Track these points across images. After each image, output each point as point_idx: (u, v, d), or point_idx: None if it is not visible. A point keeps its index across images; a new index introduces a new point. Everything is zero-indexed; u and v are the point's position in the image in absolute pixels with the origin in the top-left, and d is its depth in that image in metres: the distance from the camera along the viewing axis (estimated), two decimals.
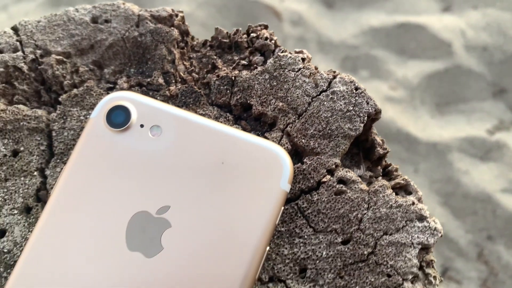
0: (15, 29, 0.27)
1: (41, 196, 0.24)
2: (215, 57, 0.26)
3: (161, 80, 0.26)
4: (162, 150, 0.23)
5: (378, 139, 0.24)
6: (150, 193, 0.22)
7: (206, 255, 0.21)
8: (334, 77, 0.24)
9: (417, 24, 1.36)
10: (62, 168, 0.25)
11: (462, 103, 1.28)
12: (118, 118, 0.23)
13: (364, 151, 0.25)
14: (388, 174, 0.24)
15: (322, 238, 0.22)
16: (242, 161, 0.22)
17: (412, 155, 1.06)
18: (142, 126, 0.23)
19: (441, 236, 0.21)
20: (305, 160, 0.23)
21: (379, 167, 0.24)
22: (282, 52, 0.25)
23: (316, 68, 0.25)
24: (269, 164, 0.22)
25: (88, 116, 0.25)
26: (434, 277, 0.22)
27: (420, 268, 0.22)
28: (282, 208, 0.22)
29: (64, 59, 0.26)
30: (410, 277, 0.21)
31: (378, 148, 0.24)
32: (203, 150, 0.22)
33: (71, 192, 0.22)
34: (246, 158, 0.22)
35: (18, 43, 0.27)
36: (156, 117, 0.23)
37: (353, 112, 0.24)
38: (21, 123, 0.25)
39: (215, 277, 0.21)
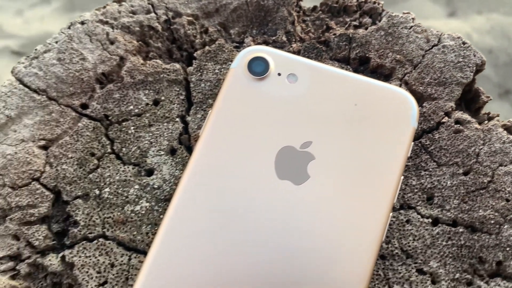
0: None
1: (183, 140, 0.27)
2: (327, 19, 0.30)
3: (284, 38, 0.29)
4: (299, 95, 0.26)
5: (481, 88, 0.28)
6: (292, 131, 0.25)
7: (349, 184, 0.24)
8: (442, 34, 0.28)
9: None
10: (202, 115, 0.27)
11: None
12: (258, 67, 0.26)
13: (465, 102, 0.28)
14: (490, 119, 0.27)
15: (445, 170, 0.25)
16: (374, 102, 0.25)
17: None
18: (279, 74, 0.26)
19: None
20: (424, 104, 0.27)
21: (483, 114, 0.28)
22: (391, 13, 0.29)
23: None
24: (399, 105, 0.25)
25: (227, 68, 0.28)
26: None
27: None
28: (412, 143, 0.25)
29: (193, 21, 0.29)
30: None
31: (482, 96, 0.27)
32: (337, 93, 0.25)
33: (220, 133, 0.25)
34: (378, 99, 0.25)
35: (150, 6, 0.30)
36: (291, 66, 0.26)
37: (463, 63, 0.27)
38: (161, 75, 0.28)
39: (359, 202, 0.23)
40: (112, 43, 0.29)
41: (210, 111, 0.26)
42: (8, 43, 1.41)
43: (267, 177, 0.24)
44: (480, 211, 0.25)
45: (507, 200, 0.25)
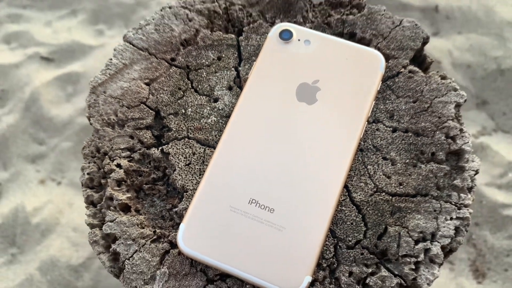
0: None
1: (236, 82, 0.43)
2: (329, 9, 0.46)
3: (301, 20, 0.45)
4: (311, 52, 0.42)
5: (427, 54, 0.44)
6: (306, 73, 0.41)
7: (342, 104, 0.40)
8: (403, 19, 0.44)
9: None
10: (249, 66, 0.43)
11: None
12: (286, 35, 0.42)
13: (418, 63, 0.45)
14: (429, 71, 0.43)
15: (401, 100, 0.41)
16: (357, 57, 0.41)
17: None
18: (299, 40, 0.42)
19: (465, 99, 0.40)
20: (389, 61, 0.43)
21: (430, 71, 0.44)
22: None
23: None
24: (372, 58, 0.41)
25: (265, 37, 0.44)
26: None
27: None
28: (380, 83, 0.41)
29: (242, 8, 0.46)
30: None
31: (427, 59, 0.44)
32: (334, 51, 0.41)
33: (261, 76, 0.41)
34: (360, 55, 0.41)
35: None
36: (306, 35, 0.42)
37: (415, 36, 0.43)
38: (222, 41, 0.44)
39: (347, 116, 0.39)
40: (190, 20, 0.45)
41: (254, 63, 0.42)
42: (38, 49, 1.58)
43: (291, 100, 0.40)
44: (422, 123, 0.41)
45: (439, 117, 0.41)
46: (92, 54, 1.50)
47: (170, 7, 0.46)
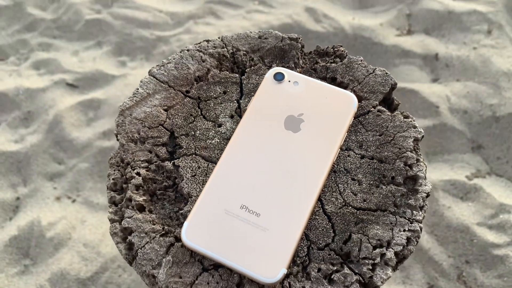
0: (221, 39, 0.58)
1: (237, 112, 0.54)
2: (316, 58, 0.57)
3: (293, 65, 0.56)
4: (298, 92, 0.52)
5: (395, 97, 0.54)
6: (293, 108, 0.51)
7: (319, 134, 0.50)
8: (375, 68, 0.55)
9: (411, 89, 1.63)
10: (248, 99, 0.54)
11: (446, 154, 1.51)
12: (279, 76, 0.53)
13: (388, 104, 0.55)
14: (396, 111, 0.54)
15: (369, 133, 0.51)
16: (335, 96, 0.52)
17: None
18: (289, 81, 0.53)
19: (422, 135, 0.50)
20: (362, 102, 0.53)
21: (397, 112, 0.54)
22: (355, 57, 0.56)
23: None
24: (347, 99, 0.51)
25: (262, 77, 0.55)
26: None
27: None
28: (353, 119, 0.51)
29: (246, 53, 0.57)
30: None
31: (395, 101, 0.54)
32: (316, 91, 0.52)
33: (256, 109, 0.51)
34: (337, 95, 0.52)
35: (223, 44, 0.58)
36: (295, 78, 0.53)
37: (384, 83, 0.54)
38: (228, 79, 0.55)
39: (323, 144, 0.49)
40: (203, 61, 0.56)
41: (252, 97, 0.53)
42: (65, 76, 1.72)
43: (280, 128, 0.51)
44: (385, 152, 0.51)
45: (399, 149, 0.51)
46: (114, 83, 1.63)
47: (188, 50, 0.57)
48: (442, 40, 1.71)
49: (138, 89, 0.54)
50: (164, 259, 0.46)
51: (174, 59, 0.57)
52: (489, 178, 1.36)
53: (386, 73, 0.55)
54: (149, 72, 0.56)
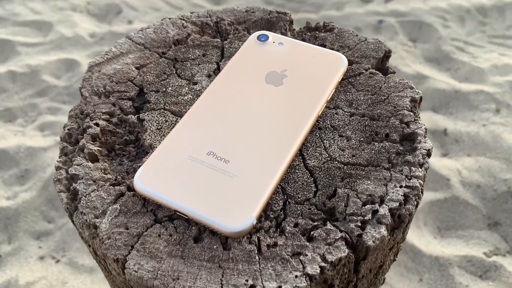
0: (207, 11, 0.56)
1: (215, 73, 0.50)
2: (306, 32, 0.55)
3: (281, 35, 0.53)
4: (283, 52, 0.49)
5: (389, 66, 0.50)
6: (276, 65, 0.48)
7: (304, 88, 0.45)
8: (367, 38, 0.52)
9: None
10: (229, 61, 0.51)
11: (461, 229, 1.42)
12: (263, 37, 0.50)
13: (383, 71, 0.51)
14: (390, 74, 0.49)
15: (360, 92, 0.47)
16: (324, 56, 0.48)
17: (417, 266, 1.19)
18: (274, 42, 0.50)
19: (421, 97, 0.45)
20: (353, 65, 0.49)
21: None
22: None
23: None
24: (337, 58, 0.48)
25: (245, 39, 0.52)
26: None
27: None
28: (342, 76, 0.47)
29: (231, 24, 0.55)
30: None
31: (390, 69, 0.50)
32: (304, 52, 0.49)
33: (237, 65, 0.48)
34: (327, 56, 0.48)
35: (208, 14, 0.56)
36: (280, 39, 0.50)
37: (378, 48, 0.50)
38: (209, 43, 0.52)
39: (308, 99, 0.45)
40: (184, 27, 0.54)
41: (233, 56, 0.49)
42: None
43: (259, 82, 0.46)
44: (378, 110, 0.45)
45: (394, 107, 0.45)
46: None
47: (169, 18, 0.55)
48: (450, 117, 1.71)
49: (111, 48, 0.52)
50: (110, 207, 0.39)
51: (154, 25, 0.55)
52: (509, 256, 1.25)
53: (379, 41, 0.51)
54: (126, 36, 0.54)
